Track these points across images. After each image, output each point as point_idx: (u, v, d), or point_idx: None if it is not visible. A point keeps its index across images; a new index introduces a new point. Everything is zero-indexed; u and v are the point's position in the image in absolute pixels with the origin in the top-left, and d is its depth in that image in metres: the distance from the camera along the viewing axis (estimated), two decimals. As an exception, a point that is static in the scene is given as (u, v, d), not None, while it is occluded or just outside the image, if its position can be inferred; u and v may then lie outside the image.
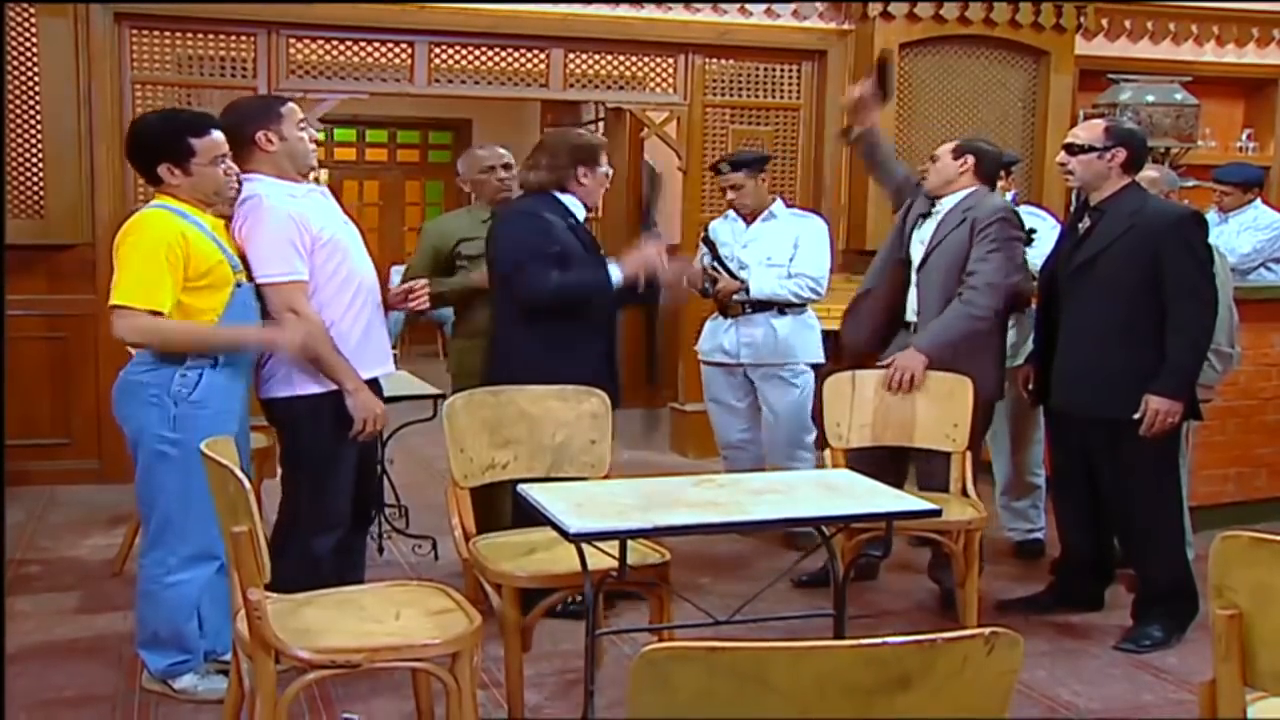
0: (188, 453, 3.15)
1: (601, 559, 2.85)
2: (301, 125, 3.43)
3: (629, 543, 2.81)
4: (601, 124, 9.94)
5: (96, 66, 5.84)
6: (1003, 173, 4.87)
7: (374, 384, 3.48)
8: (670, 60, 6.79)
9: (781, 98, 6.98)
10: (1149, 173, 4.41)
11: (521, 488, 2.98)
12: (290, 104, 3.47)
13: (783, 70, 6.95)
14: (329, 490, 3.43)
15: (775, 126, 6.99)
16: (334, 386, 3.34)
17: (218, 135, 3.26)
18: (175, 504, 3.26)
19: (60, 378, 5.99)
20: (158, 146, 3.27)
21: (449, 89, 6.53)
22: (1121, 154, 3.83)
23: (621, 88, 6.84)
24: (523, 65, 6.57)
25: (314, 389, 3.36)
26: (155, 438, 3.24)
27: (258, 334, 3.25)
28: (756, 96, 6.95)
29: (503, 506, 3.69)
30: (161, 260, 3.14)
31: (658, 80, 6.85)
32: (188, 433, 3.18)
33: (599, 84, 6.79)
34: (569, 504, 2.81)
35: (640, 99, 6.87)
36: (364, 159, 12.39)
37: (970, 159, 4.18)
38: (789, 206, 5.06)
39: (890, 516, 2.98)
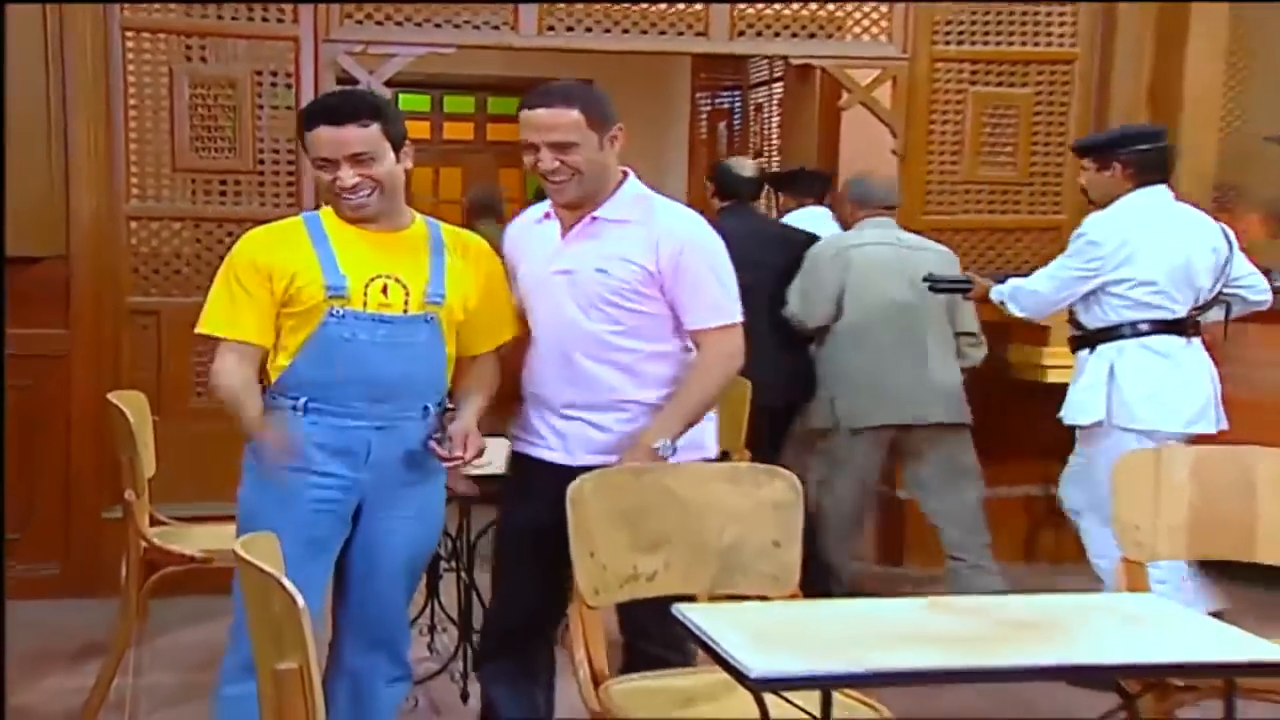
0: (246, 518, 3.55)
1: (791, 715, 2.84)
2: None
3: (833, 694, 2.81)
4: (778, 87, 10.02)
5: (72, 8, 6.00)
6: None
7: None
8: (884, -5, 6.85)
9: (1048, 46, 6.97)
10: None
11: (677, 609, 3.01)
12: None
13: (1049, 8, 6.95)
14: (495, 593, 3.97)
15: (1037, 87, 6.98)
16: (524, 450, 3.88)
17: (326, 132, 3.53)
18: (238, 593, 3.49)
19: (18, 443, 6.00)
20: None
21: (569, 40, 6.61)
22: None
23: (812, 35, 6.89)
24: (671, 6, 6.68)
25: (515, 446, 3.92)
26: (240, 497, 3.68)
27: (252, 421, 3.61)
28: (1010, 45, 6.95)
29: None
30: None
31: (865, 24, 6.91)
32: (247, 492, 3.61)
33: (780, 31, 6.85)
34: (746, 634, 2.82)
35: (839, 52, 6.92)
36: (441, 136, 12.62)
37: None
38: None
39: (1230, 669, 2.91)
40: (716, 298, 3.75)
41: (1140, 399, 5.13)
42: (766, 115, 10.49)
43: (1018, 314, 5.53)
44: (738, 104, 11.07)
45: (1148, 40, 6.83)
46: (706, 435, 3.91)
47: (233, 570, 2.88)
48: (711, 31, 6.70)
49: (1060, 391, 5.51)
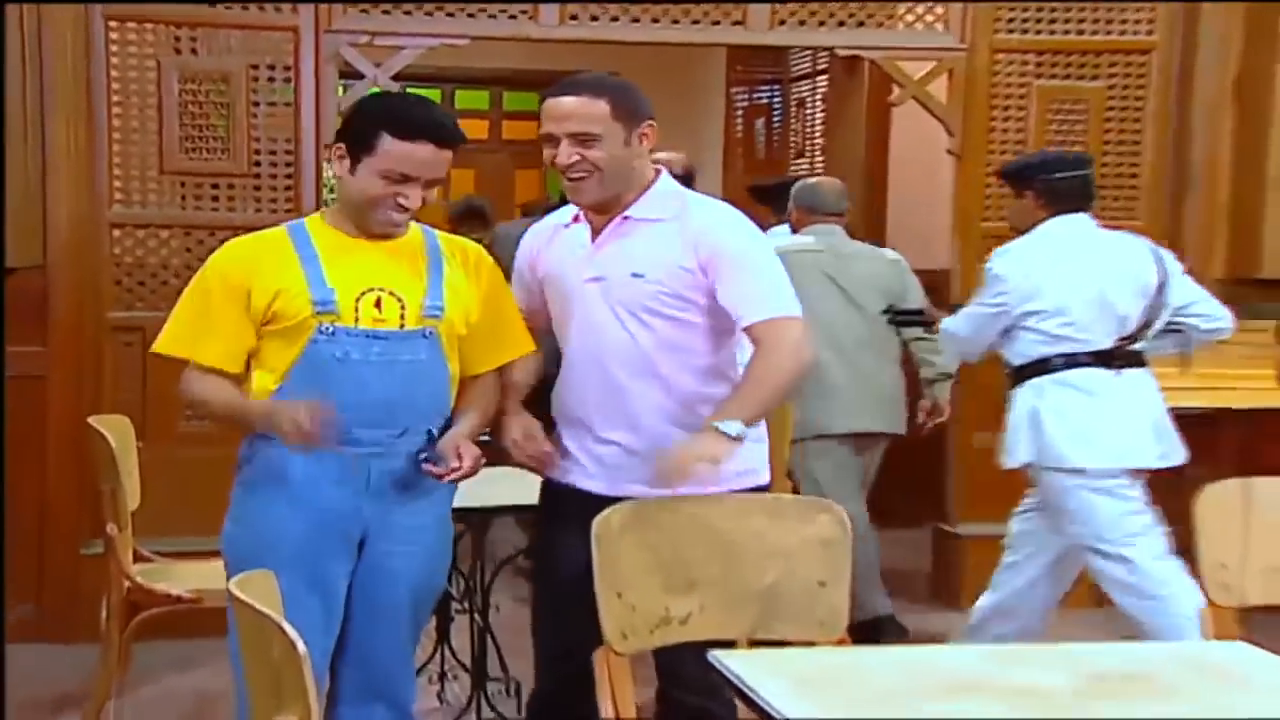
0: (236, 560, 3.53)
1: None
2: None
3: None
4: (823, 81, 10.00)
5: (50, -2, 6.02)
6: None
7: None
8: (940, -19, 6.85)
9: (1122, 35, 6.94)
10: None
11: (714, 656, 2.99)
12: None
13: (1124, -7, 6.95)
14: (535, 634, 4.06)
15: (1110, 80, 6.95)
16: (559, 479, 3.91)
17: (428, 151, 3.52)
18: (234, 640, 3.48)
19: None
20: (351, 118, 3.69)
21: (593, 31, 6.63)
22: None
23: (860, 24, 6.87)
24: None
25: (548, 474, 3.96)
26: (223, 532, 3.70)
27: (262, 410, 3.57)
28: (1080, 34, 6.93)
29: None
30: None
31: (918, 13, 6.91)
32: (239, 526, 3.65)
33: (824, 20, 6.83)
34: (788, 682, 2.80)
35: (890, 43, 6.91)
36: (453, 135, 12.66)
37: None
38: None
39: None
40: (766, 289, 3.73)
41: (1063, 438, 5.22)
42: (809, 112, 10.47)
43: (951, 355, 5.91)
44: (777, 99, 11.04)
45: (1235, 29, 6.81)
46: (759, 459, 3.91)
47: (224, 611, 2.87)
48: (749, 21, 6.70)
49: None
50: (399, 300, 3.56)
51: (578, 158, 3.66)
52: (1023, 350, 5.33)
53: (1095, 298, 5.26)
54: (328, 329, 3.49)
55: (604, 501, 3.58)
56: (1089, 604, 6.25)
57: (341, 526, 3.57)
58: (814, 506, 3.60)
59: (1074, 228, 5.37)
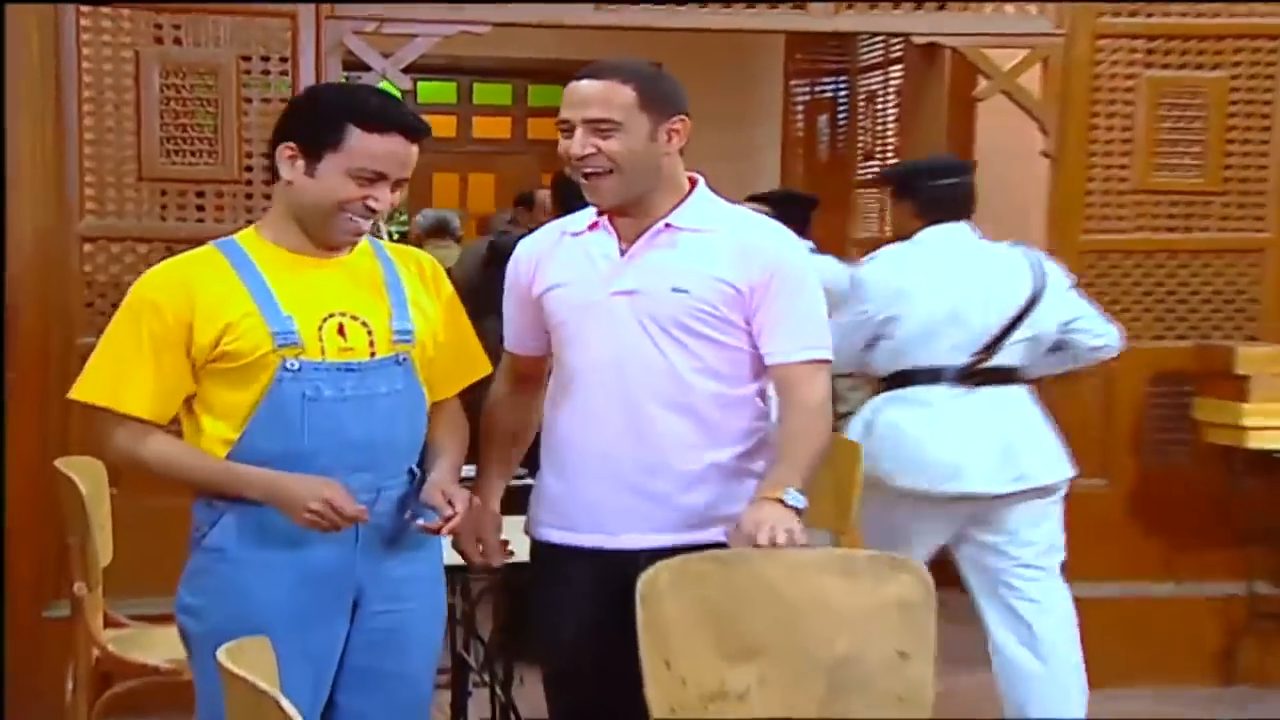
0: (208, 631, 3.45)
1: None
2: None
3: None
4: (896, 72, 9.99)
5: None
6: None
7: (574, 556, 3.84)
8: (1033, -42, 6.85)
9: (1248, 18, 6.92)
10: None
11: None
12: None
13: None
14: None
15: (1234, 69, 6.95)
16: (554, 539, 3.87)
17: (399, 145, 3.51)
18: (206, 712, 3.48)
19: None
20: (303, 111, 3.65)
21: (632, 16, 6.64)
22: None
23: (940, 8, 6.90)
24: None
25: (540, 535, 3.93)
26: (179, 605, 3.60)
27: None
28: (1198, 17, 6.91)
29: None
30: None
31: (1007, -7, 6.90)
32: (207, 598, 3.55)
33: (898, 2, 6.85)
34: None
35: (974, 28, 6.91)
36: (471, 134, 12.67)
37: None
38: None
39: None
40: (811, 326, 3.76)
41: (886, 454, 5.55)
42: (880, 108, 10.47)
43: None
44: (843, 93, 11.05)
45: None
46: None
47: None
48: (811, 4, 6.71)
49: (1265, 459, 5.47)
50: (364, 325, 3.54)
51: (593, 149, 3.65)
52: (880, 361, 5.67)
53: (950, 309, 5.60)
54: (292, 365, 3.45)
55: (610, 558, 3.66)
56: (1210, 682, 6.24)
57: (334, 587, 3.53)
58: (892, 564, 3.55)
59: (949, 237, 5.73)
